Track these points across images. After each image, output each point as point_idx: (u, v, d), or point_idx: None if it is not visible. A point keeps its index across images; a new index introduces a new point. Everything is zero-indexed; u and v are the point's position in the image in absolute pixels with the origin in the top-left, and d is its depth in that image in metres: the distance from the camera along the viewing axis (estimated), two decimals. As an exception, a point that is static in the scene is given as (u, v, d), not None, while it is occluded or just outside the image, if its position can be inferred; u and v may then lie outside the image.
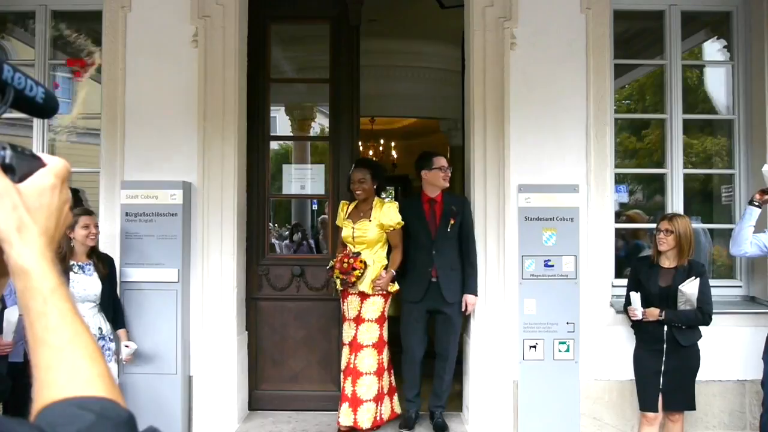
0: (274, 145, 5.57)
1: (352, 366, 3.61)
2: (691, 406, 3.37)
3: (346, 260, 3.60)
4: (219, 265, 3.84)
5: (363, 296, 3.66)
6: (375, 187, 3.76)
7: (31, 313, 0.58)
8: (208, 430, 3.80)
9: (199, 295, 3.83)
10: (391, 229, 3.71)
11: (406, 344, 3.84)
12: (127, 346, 3.41)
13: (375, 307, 3.66)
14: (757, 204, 3.41)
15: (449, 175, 3.86)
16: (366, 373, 3.60)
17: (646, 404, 3.37)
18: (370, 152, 10.00)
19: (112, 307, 3.40)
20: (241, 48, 3.97)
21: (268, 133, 4.42)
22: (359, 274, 3.58)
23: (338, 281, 3.66)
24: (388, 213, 3.71)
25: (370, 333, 3.63)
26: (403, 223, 3.74)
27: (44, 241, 0.60)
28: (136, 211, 3.71)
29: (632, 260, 3.74)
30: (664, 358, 3.30)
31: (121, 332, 3.43)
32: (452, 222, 3.75)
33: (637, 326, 3.43)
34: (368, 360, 3.61)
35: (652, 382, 3.32)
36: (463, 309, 3.78)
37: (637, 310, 3.30)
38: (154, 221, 3.71)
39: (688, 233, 3.29)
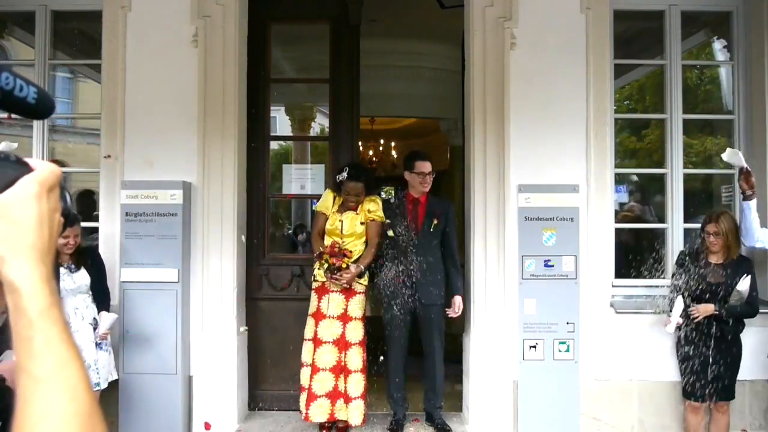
0: (274, 145, 5.57)
1: (343, 364, 3.60)
2: (734, 396, 3.48)
3: (337, 246, 3.62)
4: (219, 265, 3.84)
5: (348, 293, 3.64)
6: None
7: (18, 336, 0.53)
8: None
9: (199, 295, 3.83)
10: (371, 219, 3.71)
11: (390, 344, 3.83)
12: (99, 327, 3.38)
13: (360, 304, 3.67)
14: (750, 194, 3.43)
15: (428, 181, 3.81)
16: (354, 371, 3.60)
17: (695, 395, 3.47)
18: (370, 152, 10.01)
19: (100, 293, 3.44)
20: (241, 48, 3.97)
21: (268, 133, 4.42)
22: (349, 262, 3.57)
23: (325, 266, 3.57)
24: (370, 205, 3.74)
25: (357, 331, 3.63)
26: (383, 217, 3.74)
27: (36, 255, 0.56)
28: (136, 211, 3.72)
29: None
30: (711, 353, 3.39)
31: (102, 314, 3.39)
32: (435, 223, 3.75)
33: (684, 322, 3.47)
34: (356, 358, 3.61)
35: (700, 375, 3.42)
36: (454, 311, 3.77)
37: (673, 318, 3.39)
38: (154, 221, 3.71)
39: (734, 230, 3.39)
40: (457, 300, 3.77)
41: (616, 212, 4.26)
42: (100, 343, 3.36)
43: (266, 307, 4.20)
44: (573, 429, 3.73)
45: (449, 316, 3.82)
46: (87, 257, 3.42)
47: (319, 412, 3.57)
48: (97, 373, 3.31)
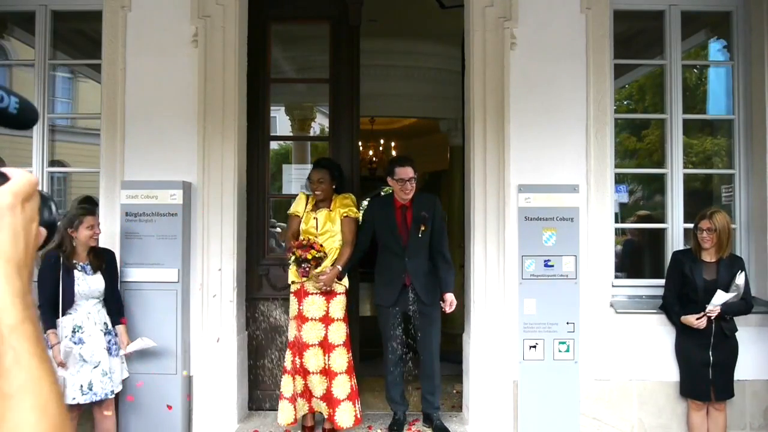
0: (274, 145, 5.57)
1: (327, 367, 3.58)
2: (733, 394, 3.52)
3: (305, 240, 3.61)
4: (219, 265, 3.84)
5: (328, 296, 3.63)
6: (334, 187, 3.77)
7: None
8: (208, 430, 3.80)
9: (199, 295, 3.83)
10: (344, 216, 3.70)
11: (386, 346, 3.81)
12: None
13: (341, 305, 3.66)
14: None
15: (408, 188, 3.68)
16: (339, 373, 3.58)
17: (697, 395, 3.53)
18: (370, 152, 10.02)
19: (113, 300, 3.41)
20: (241, 48, 3.97)
21: (268, 133, 4.42)
22: (316, 254, 3.54)
23: (292, 258, 3.58)
24: (343, 201, 3.75)
25: (340, 332, 3.62)
26: (358, 213, 3.76)
27: (11, 269, 0.54)
28: (136, 211, 3.72)
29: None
30: (711, 351, 3.43)
31: (121, 329, 3.40)
32: (423, 228, 3.70)
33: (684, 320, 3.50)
34: (340, 359, 3.59)
35: (701, 374, 3.47)
36: (447, 308, 3.67)
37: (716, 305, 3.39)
38: (154, 221, 3.71)
39: (726, 228, 3.43)
40: (448, 297, 3.68)
41: (616, 214, 4.25)
42: (110, 348, 3.31)
43: (266, 307, 4.20)
44: (573, 429, 3.73)
45: (444, 311, 3.74)
46: (103, 260, 3.36)
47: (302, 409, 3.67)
48: (111, 379, 3.27)
